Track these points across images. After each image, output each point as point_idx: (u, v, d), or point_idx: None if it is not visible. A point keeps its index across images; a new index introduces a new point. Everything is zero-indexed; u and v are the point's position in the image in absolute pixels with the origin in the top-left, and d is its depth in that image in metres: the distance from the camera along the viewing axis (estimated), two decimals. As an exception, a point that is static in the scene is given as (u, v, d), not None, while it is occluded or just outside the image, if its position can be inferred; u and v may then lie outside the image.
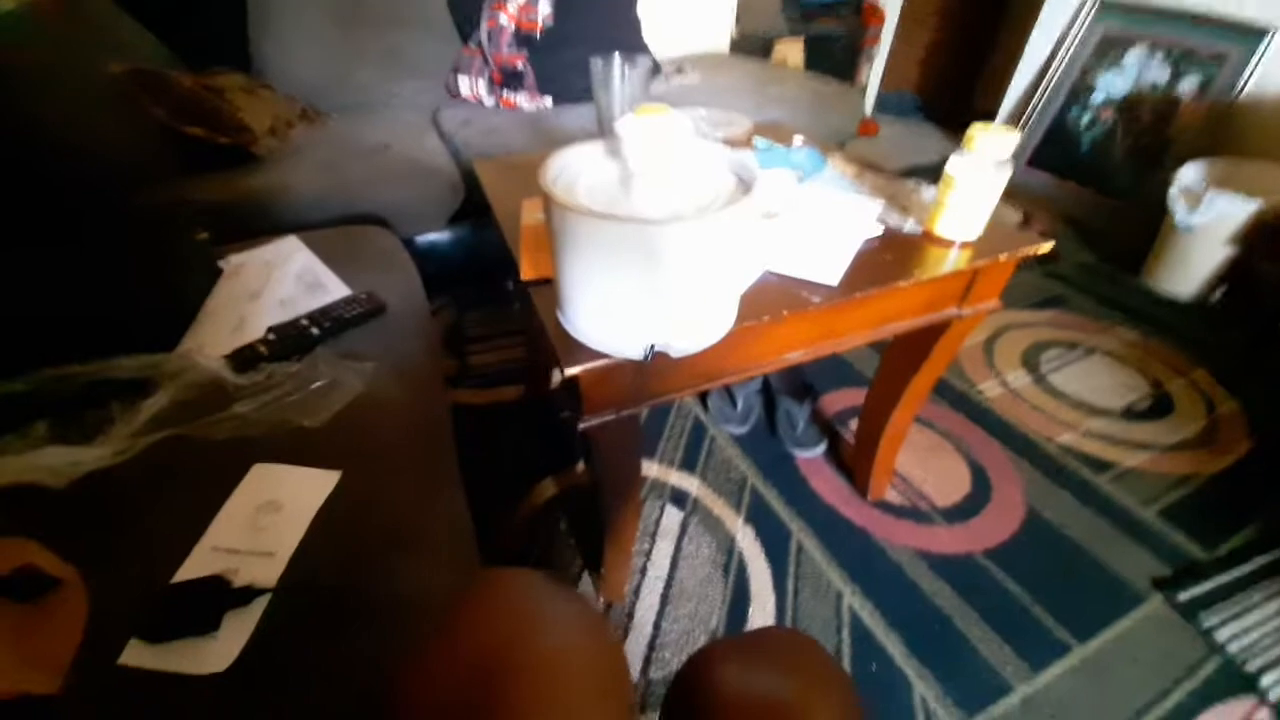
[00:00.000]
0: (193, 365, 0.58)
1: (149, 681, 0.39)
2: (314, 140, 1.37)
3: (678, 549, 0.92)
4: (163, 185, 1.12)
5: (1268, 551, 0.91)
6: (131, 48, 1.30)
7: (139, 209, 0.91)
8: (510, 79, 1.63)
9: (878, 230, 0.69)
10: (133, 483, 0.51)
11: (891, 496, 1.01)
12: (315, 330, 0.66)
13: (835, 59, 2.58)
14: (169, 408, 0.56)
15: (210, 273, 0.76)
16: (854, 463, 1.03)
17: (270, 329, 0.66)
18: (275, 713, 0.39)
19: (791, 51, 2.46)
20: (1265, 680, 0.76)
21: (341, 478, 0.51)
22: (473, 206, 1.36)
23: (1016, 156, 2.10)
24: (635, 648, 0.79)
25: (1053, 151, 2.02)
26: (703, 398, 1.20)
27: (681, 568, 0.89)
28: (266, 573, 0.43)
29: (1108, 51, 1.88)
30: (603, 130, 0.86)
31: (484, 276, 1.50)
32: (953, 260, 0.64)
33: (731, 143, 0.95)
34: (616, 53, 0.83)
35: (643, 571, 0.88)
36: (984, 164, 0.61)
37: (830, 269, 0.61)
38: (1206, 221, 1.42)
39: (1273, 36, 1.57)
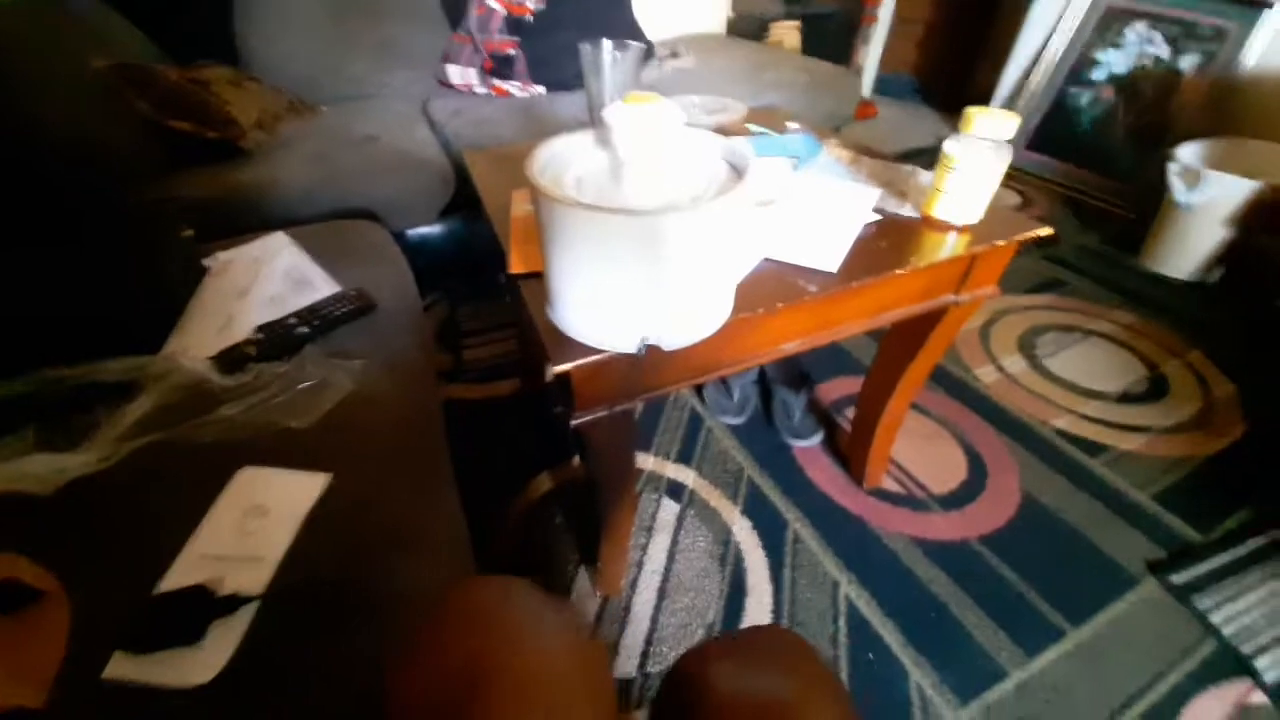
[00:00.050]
0: (178, 367, 0.57)
1: (134, 694, 0.38)
2: (303, 133, 1.35)
3: (674, 542, 0.92)
4: (148, 182, 1.10)
5: (1262, 534, 0.92)
6: (116, 42, 1.27)
7: (122, 207, 0.89)
8: (501, 66, 1.60)
9: (875, 217, 0.67)
10: (118, 489, 0.51)
11: (888, 484, 1.01)
12: (304, 329, 0.65)
13: (832, 40, 2.53)
14: (154, 411, 0.55)
15: (196, 271, 0.75)
16: (850, 451, 1.02)
17: (258, 328, 0.65)
18: (265, 722, 0.39)
19: (788, 34, 2.42)
20: (1260, 662, 0.77)
21: (331, 479, 0.51)
22: (465, 199, 1.34)
23: (1014, 139, 2.07)
24: (632, 642, 0.79)
25: (1052, 133, 2.00)
26: (699, 389, 1.19)
27: (678, 561, 0.89)
28: (253, 580, 0.43)
29: (1108, 28, 1.85)
30: (594, 118, 0.84)
31: (478, 270, 1.48)
32: (950, 246, 0.63)
33: (726, 129, 0.93)
34: (606, 38, 0.81)
35: (639, 565, 0.89)
36: (983, 146, 0.60)
37: (829, 256, 0.60)
38: (1205, 201, 1.41)
39: (1273, 9, 1.55)
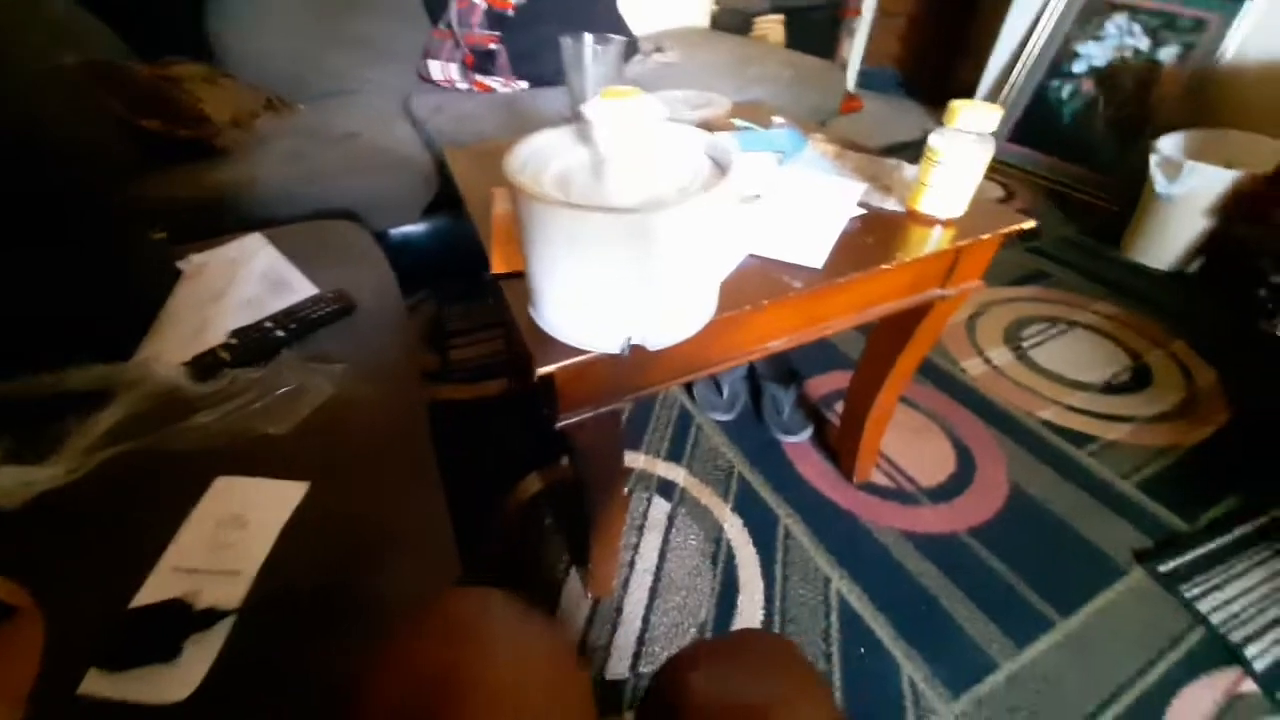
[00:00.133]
0: (150, 374, 0.56)
1: (109, 711, 0.37)
2: (280, 131, 1.32)
3: (665, 541, 0.91)
4: (119, 182, 1.07)
5: (1248, 521, 0.93)
6: (85, 39, 1.23)
7: (91, 209, 0.86)
8: (483, 61, 1.58)
9: (860, 211, 0.67)
10: (88, 502, 0.49)
11: (877, 478, 1.01)
12: (280, 332, 0.63)
13: (816, 34, 2.53)
14: (125, 421, 0.53)
15: (169, 274, 0.73)
16: (840, 446, 1.02)
17: (233, 333, 0.63)
18: (243, 739, 0.37)
19: (772, 28, 2.42)
20: (1249, 650, 0.77)
21: (310, 487, 0.49)
22: (448, 196, 1.32)
23: (998, 131, 2.08)
24: (624, 643, 0.79)
25: (1034, 125, 2.01)
26: (688, 386, 1.18)
27: (669, 559, 0.89)
28: (230, 593, 0.41)
29: (1089, 20, 1.87)
30: (575, 113, 0.83)
31: (464, 269, 1.46)
32: (935, 240, 0.63)
33: (710, 124, 0.92)
34: (589, 32, 0.80)
35: (631, 565, 0.88)
36: (966, 139, 0.59)
37: (814, 252, 0.59)
38: (1186, 191, 1.42)
39: (1252, 1, 1.56)
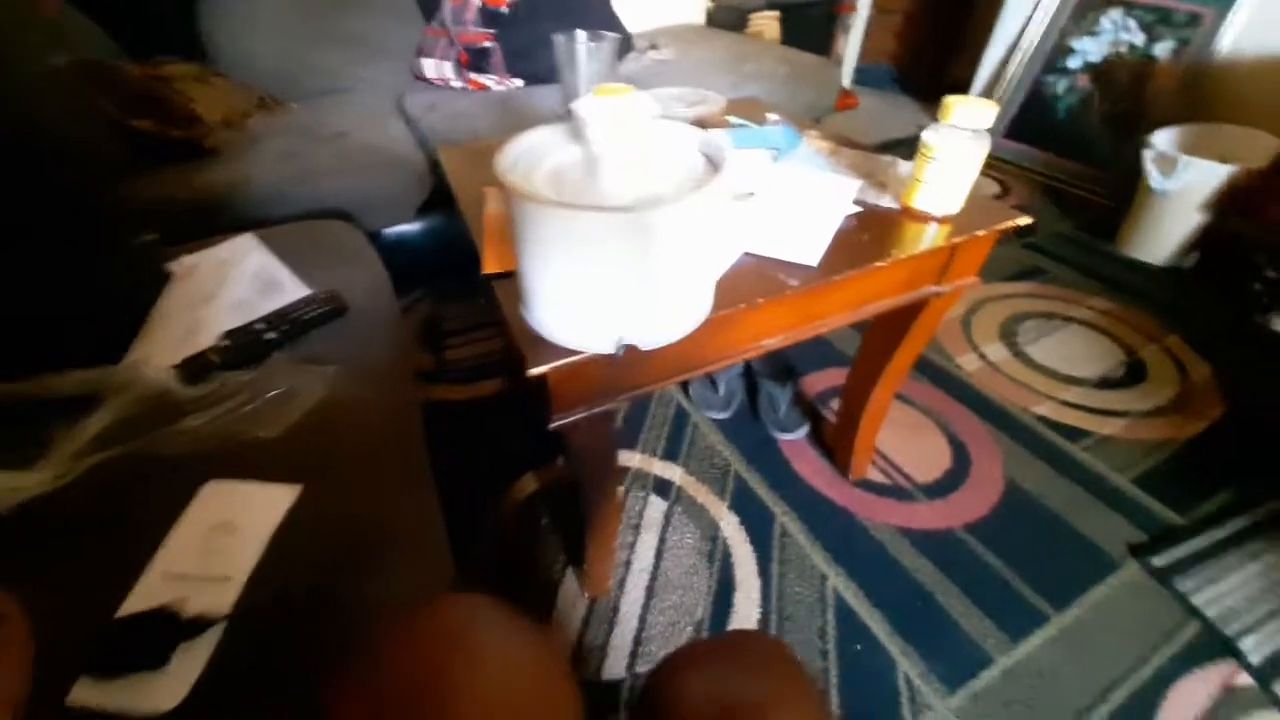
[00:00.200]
0: (139, 378, 0.55)
1: (99, 720, 0.37)
2: (272, 130, 1.31)
3: (662, 540, 0.91)
4: (110, 183, 1.06)
5: (1242, 515, 0.93)
6: (77, 39, 1.22)
7: (82, 210, 0.86)
8: (477, 59, 1.57)
9: (855, 209, 0.67)
10: (77, 507, 0.48)
11: (873, 475, 1.01)
12: (272, 334, 0.63)
13: (812, 30, 2.52)
14: (114, 425, 0.53)
15: (159, 276, 0.72)
16: (836, 443, 1.02)
17: (224, 335, 0.63)
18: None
19: (768, 24, 2.41)
20: (1244, 644, 0.77)
21: (302, 490, 0.49)
22: (442, 195, 1.31)
23: (994, 128, 2.08)
24: (621, 642, 0.79)
25: (1029, 121, 2.01)
26: (684, 384, 1.18)
27: (666, 558, 0.89)
28: (219, 600, 0.41)
29: (1083, 16, 1.86)
30: (568, 111, 0.82)
31: (460, 268, 1.45)
32: (931, 237, 0.63)
33: (705, 121, 0.92)
34: (584, 29, 0.80)
35: (627, 564, 0.88)
36: (961, 135, 0.59)
37: (810, 249, 0.59)
38: (1180, 187, 1.43)
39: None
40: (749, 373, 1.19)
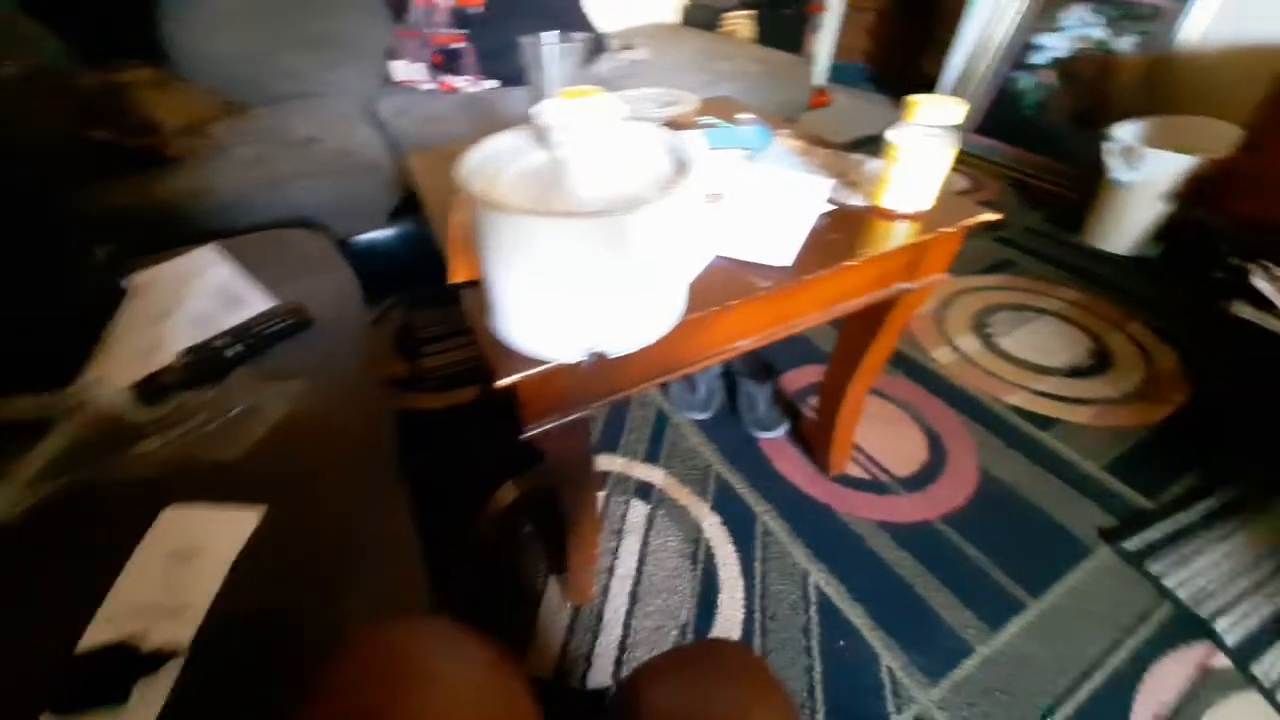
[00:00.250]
0: (91, 401, 0.53)
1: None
2: (238, 136, 1.27)
3: (645, 543, 0.91)
4: (62, 196, 1.02)
5: (1210, 497, 0.95)
6: (29, 46, 1.17)
7: (31, 225, 0.82)
8: (450, 60, 1.55)
9: (829, 208, 0.67)
10: (30, 538, 0.46)
11: (853, 470, 1.02)
12: (234, 350, 0.61)
13: (785, 29, 2.53)
14: (66, 451, 0.51)
15: (113, 293, 0.70)
16: (815, 440, 1.03)
17: (183, 352, 0.61)
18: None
19: (742, 23, 2.42)
20: (1220, 624, 0.79)
21: (266, 512, 0.48)
22: (416, 200, 1.29)
23: (963, 124, 2.11)
24: (605, 650, 0.78)
25: (998, 117, 2.05)
26: (664, 386, 1.18)
27: (649, 562, 0.88)
28: (178, 632, 0.40)
29: (1048, 11, 1.90)
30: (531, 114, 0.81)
31: (435, 274, 1.42)
32: (900, 235, 0.63)
33: (678, 122, 0.92)
34: (557, 29, 0.79)
35: (610, 570, 0.87)
36: (928, 134, 0.60)
37: (782, 250, 0.59)
38: (1143, 178, 1.46)
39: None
40: (728, 372, 1.19)
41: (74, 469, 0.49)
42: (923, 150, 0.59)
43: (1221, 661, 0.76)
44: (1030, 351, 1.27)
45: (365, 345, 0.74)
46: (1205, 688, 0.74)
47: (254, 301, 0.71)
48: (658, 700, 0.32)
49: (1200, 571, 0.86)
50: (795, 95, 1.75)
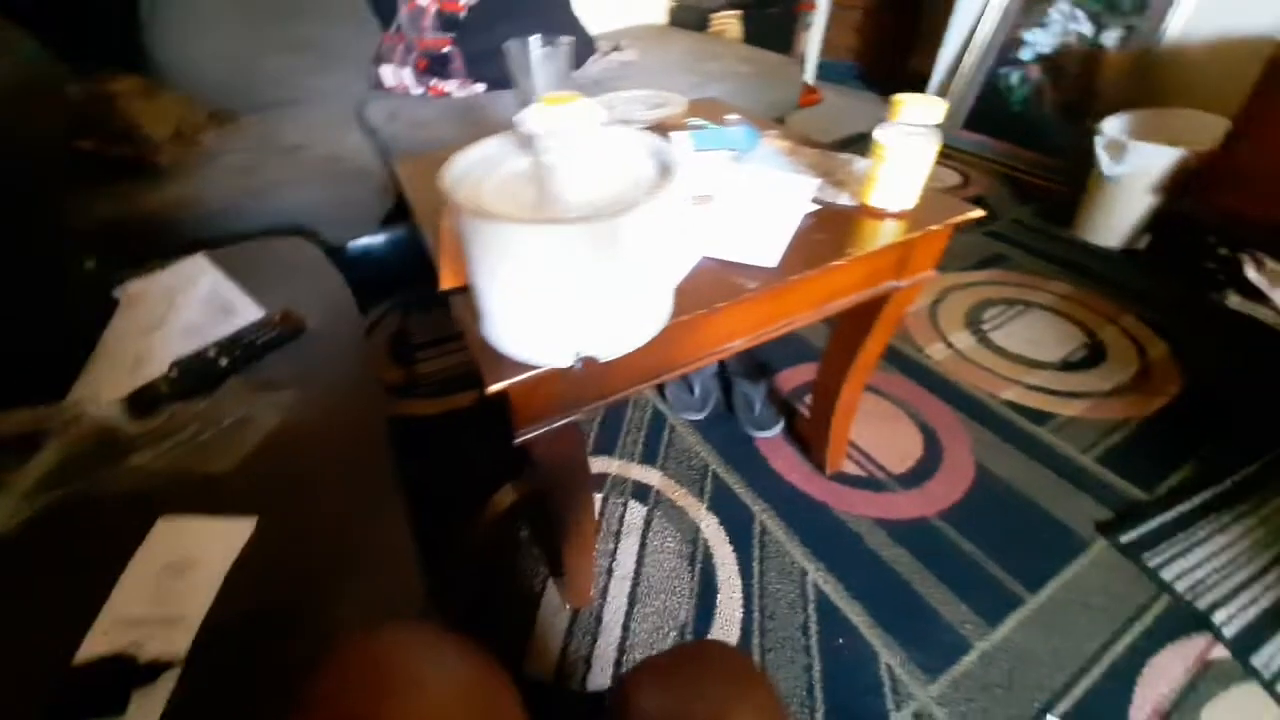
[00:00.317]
0: (84, 414, 0.53)
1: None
2: (226, 144, 1.27)
3: (643, 545, 0.91)
4: (49, 209, 1.02)
5: (1205, 489, 0.96)
6: (10, 54, 1.17)
7: (20, 239, 0.82)
8: (437, 65, 1.55)
9: (814, 207, 0.67)
10: (24, 553, 0.46)
11: (849, 468, 1.02)
12: (224, 360, 0.61)
13: (773, 28, 2.54)
14: (60, 464, 0.51)
15: (103, 305, 0.70)
16: (811, 438, 1.03)
17: (174, 363, 0.60)
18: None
19: (730, 24, 2.42)
20: (1218, 616, 0.79)
21: (259, 523, 0.48)
22: (407, 206, 1.30)
23: (953, 120, 2.13)
24: (605, 652, 0.78)
25: (987, 112, 2.06)
26: (660, 387, 1.18)
27: (647, 564, 0.88)
28: (174, 643, 0.40)
29: (1033, 7, 1.91)
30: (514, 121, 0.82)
31: (429, 279, 1.43)
32: (887, 233, 0.63)
33: (666, 124, 0.92)
34: (544, 32, 0.79)
35: (609, 572, 0.87)
36: (912, 133, 0.60)
37: (769, 251, 0.59)
38: (1131, 171, 1.47)
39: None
40: (723, 372, 1.20)
41: (68, 482, 0.49)
42: (908, 149, 0.60)
43: (1221, 653, 0.76)
44: (1024, 346, 1.27)
45: (358, 352, 0.74)
46: (1205, 680, 0.74)
47: (245, 311, 0.70)
48: (644, 703, 0.33)
49: (1198, 563, 0.86)
50: (785, 94, 1.75)
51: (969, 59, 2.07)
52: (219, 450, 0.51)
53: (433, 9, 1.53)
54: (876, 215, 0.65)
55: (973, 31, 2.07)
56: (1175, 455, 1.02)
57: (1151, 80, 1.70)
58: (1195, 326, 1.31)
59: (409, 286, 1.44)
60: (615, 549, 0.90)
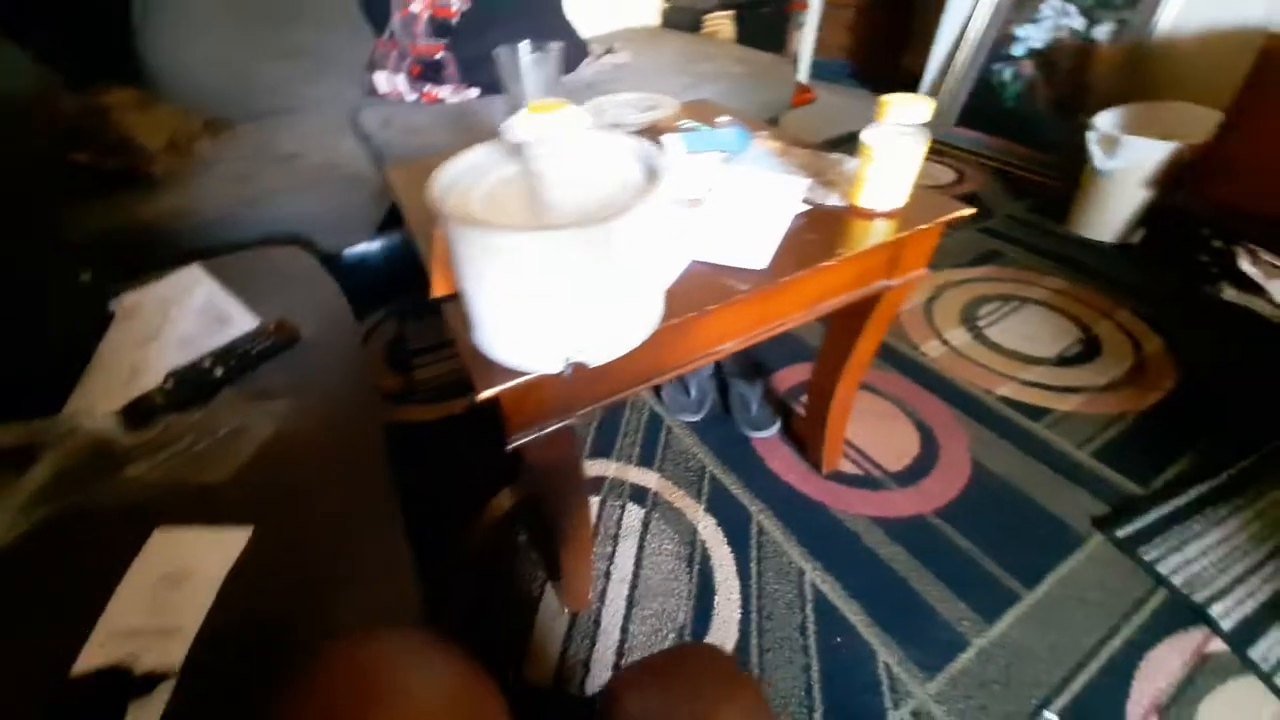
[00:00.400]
0: (79, 427, 0.53)
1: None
2: (221, 154, 1.28)
3: (641, 547, 0.91)
4: (45, 222, 1.02)
5: (1201, 482, 0.96)
6: (8, 71, 1.17)
7: (15, 252, 0.82)
8: (430, 71, 1.55)
9: (805, 208, 0.68)
10: (22, 566, 0.47)
11: (845, 467, 1.02)
12: (219, 371, 0.61)
13: (766, 28, 2.55)
14: (56, 477, 0.51)
15: (99, 317, 0.70)
16: (807, 438, 1.04)
17: (169, 374, 0.61)
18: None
19: (723, 24, 2.43)
20: (1215, 610, 0.79)
21: (254, 532, 0.48)
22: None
23: (946, 117, 2.13)
24: (603, 655, 0.78)
25: (980, 109, 2.06)
26: (656, 389, 1.18)
27: (646, 566, 0.89)
28: (170, 654, 0.40)
29: (1024, 4, 1.91)
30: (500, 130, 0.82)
31: (426, 286, 1.43)
32: (876, 233, 0.64)
33: (658, 126, 0.92)
34: (537, 37, 0.79)
35: (607, 575, 0.88)
36: (899, 133, 0.60)
37: (759, 252, 0.59)
38: (1124, 165, 1.47)
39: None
40: (719, 373, 1.20)
41: (64, 495, 0.50)
42: (896, 149, 0.60)
43: (1218, 647, 0.76)
44: (1019, 342, 1.27)
45: (354, 360, 0.74)
46: (1202, 673, 0.74)
47: (240, 321, 0.71)
48: (631, 706, 0.33)
49: (1194, 557, 0.86)
50: (779, 94, 1.76)
51: (961, 56, 2.08)
52: (214, 460, 0.51)
53: (425, 15, 1.54)
54: (866, 215, 0.66)
55: (965, 28, 2.07)
56: (1171, 449, 1.03)
57: (1144, 74, 1.71)
58: (1190, 320, 1.31)
59: (406, 293, 1.44)
60: (613, 552, 0.91)
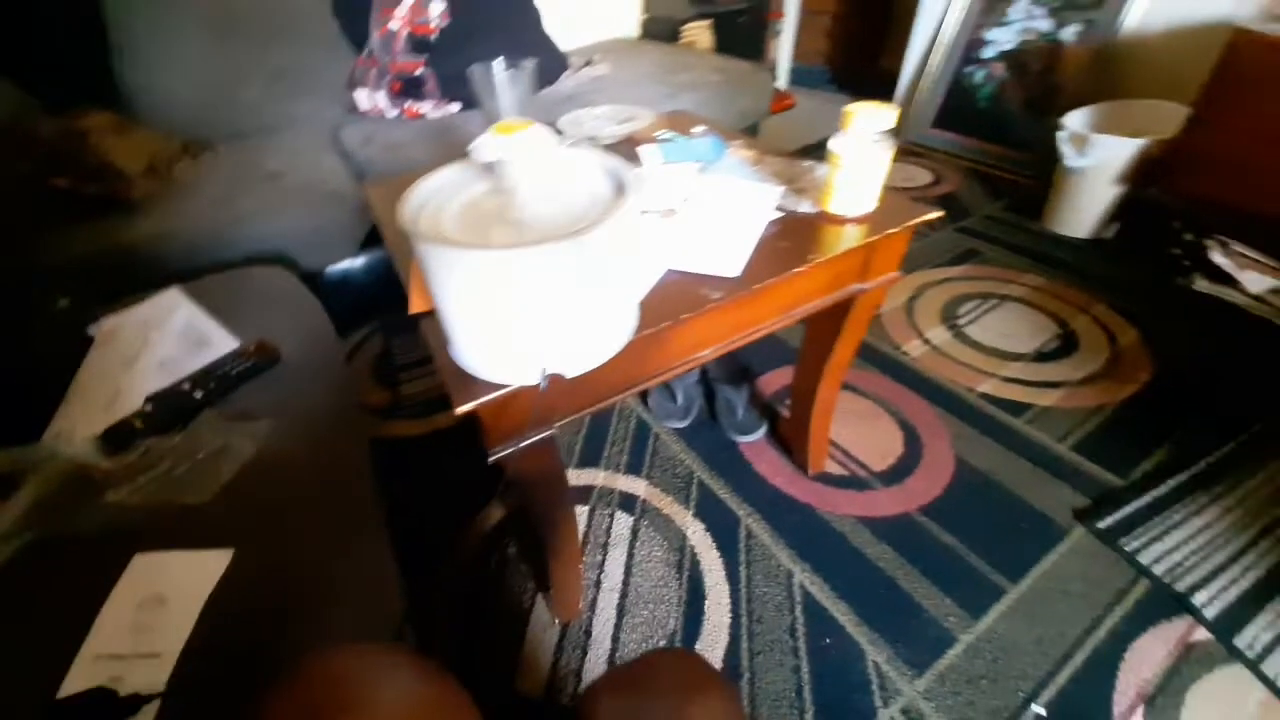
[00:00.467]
0: (58, 454, 0.53)
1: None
2: (201, 176, 1.28)
3: (630, 555, 0.92)
4: (22, 248, 1.02)
5: (1179, 472, 0.97)
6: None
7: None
8: (411, 87, 1.56)
9: (777, 215, 0.69)
10: (4, 594, 0.47)
11: (831, 468, 1.03)
12: (199, 393, 0.61)
13: (744, 36, 2.59)
14: (34, 506, 0.51)
15: (77, 343, 0.70)
16: (793, 440, 1.05)
17: (148, 398, 0.61)
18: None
19: (701, 34, 2.46)
20: (1198, 598, 0.80)
21: (235, 555, 0.48)
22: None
23: (922, 118, 2.17)
24: (595, 665, 0.79)
25: (955, 110, 2.10)
26: (643, 396, 1.19)
27: (635, 574, 0.89)
28: (153, 677, 0.40)
29: (993, 7, 1.96)
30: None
31: (407, 301, 1.44)
32: (847, 239, 0.65)
33: (635, 137, 0.94)
34: (516, 51, 0.81)
35: (597, 584, 0.88)
36: (865, 141, 0.62)
37: (731, 261, 0.60)
38: (1095, 163, 1.50)
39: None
40: (705, 378, 1.21)
41: (45, 522, 0.50)
42: (862, 156, 0.62)
43: (1202, 635, 0.77)
44: (998, 339, 1.29)
45: (336, 378, 0.74)
46: (1188, 663, 0.75)
47: (220, 343, 0.71)
48: (604, 712, 0.33)
49: (1175, 546, 0.87)
50: (757, 101, 1.78)
51: (935, 59, 2.12)
52: (195, 483, 0.51)
53: (404, 32, 1.55)
54: (837, 221, 0.67)
55: (937, 32, 2.11)
56: (1149, 440, 1.04)
57: (1112, 73, 1.75)
58: (1164, 312, 1.34)
59: (391, 308, 1.44)
60: (603, 560, 0.91)
